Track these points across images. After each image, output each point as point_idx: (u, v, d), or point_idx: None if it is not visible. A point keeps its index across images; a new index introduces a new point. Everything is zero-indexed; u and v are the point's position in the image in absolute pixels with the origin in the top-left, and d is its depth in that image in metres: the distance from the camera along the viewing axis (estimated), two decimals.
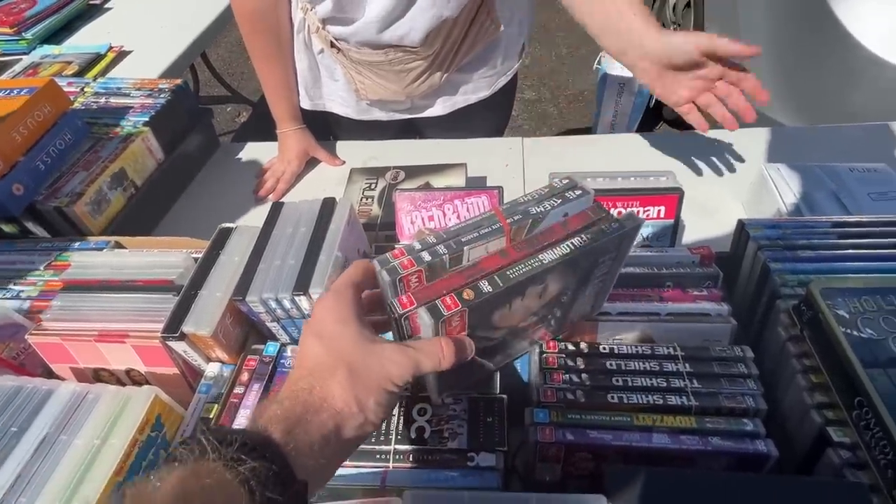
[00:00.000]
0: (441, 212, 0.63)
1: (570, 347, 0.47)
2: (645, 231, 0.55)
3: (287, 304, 0.49)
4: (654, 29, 0.62)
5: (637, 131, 1.79)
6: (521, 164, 0.90)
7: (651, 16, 0.63)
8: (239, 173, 0.96)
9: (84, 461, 0.39)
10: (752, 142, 0.89)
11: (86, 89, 0.93)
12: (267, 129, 1.04)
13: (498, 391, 0.46)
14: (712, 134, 0.92)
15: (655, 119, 2.09)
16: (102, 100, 0.90)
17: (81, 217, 0.72)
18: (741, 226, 0.55)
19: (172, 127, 0.89)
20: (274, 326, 0.52)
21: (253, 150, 1.02)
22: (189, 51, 1.25)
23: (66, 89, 0.86)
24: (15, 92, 0.75)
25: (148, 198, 0.83)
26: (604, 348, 0.47)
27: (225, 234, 0.56)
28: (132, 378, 0.55)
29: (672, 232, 0.55)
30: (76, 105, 0.88)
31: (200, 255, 0.54)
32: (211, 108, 1.00)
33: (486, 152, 0.92)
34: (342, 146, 0.99)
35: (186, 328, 0.47)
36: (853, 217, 0.54)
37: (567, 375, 0.45)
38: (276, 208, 0.57)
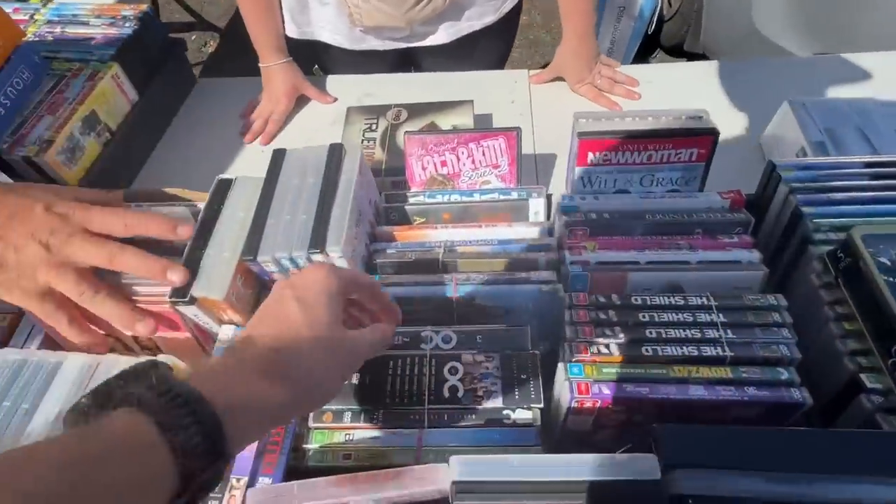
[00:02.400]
0: (455, 156, 0.59)
1: (602, 300, 0.46)
2: (673, 174, 0.52)
3: (302, 262, 0.46)
4: (562, 51, 0.81)
5: (633, 61, 1.72)
6: (527, 100, 0.85)
7: (572, 34, 0.79)
8: (221, 114, 0.89)
9: None
10: (769, 73, 0.85)
11: (36, 17, 0.82)
12: (240, 61, 0.94)
13: (530, 347, 0.44)
14: (724, 64, 0.87)
15: (652, 46, 2.00)
16: (57, 29, 0.80)
17: (54, 167, 0.66)
18: (771, 167, 0.53)
19: (142, 61, 0.80)
20: None
21: (234, 87, 0.93)
22: None
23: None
24: None
25: (124, 144, 0.76)
26: (635, 300, 0.45)
27: (224, 187, 0.51)
28: (141, 344, 0.52)
29: (702, 176, 0.52)
30: (28, 37, 0.78)
31: (200, 211, 0.49)
32: (183, 39, 0.90)
33: (490, 86, 0.86)
34: (333, 81, 0.91)
35: (196, 292, 0.44)
36: (886, 156, 0.53)
37: (599, 329, 0.44)
38: (279, 156, 0.52)
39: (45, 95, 0.70)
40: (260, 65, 0.84)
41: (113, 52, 0.75)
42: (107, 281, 0.44)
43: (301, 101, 0.88)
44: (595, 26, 0.78)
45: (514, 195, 0.56)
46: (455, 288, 0.47)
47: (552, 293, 0.46)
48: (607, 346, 0.43)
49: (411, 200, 0.57)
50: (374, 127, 0.74)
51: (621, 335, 0.43)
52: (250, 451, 0.41)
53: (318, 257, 0.45)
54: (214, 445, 0.26)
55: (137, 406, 0.25)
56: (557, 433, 0.45)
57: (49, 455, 0.22)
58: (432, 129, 0.71)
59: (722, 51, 1.62)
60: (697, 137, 0.50)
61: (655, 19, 1.76)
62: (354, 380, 0.43)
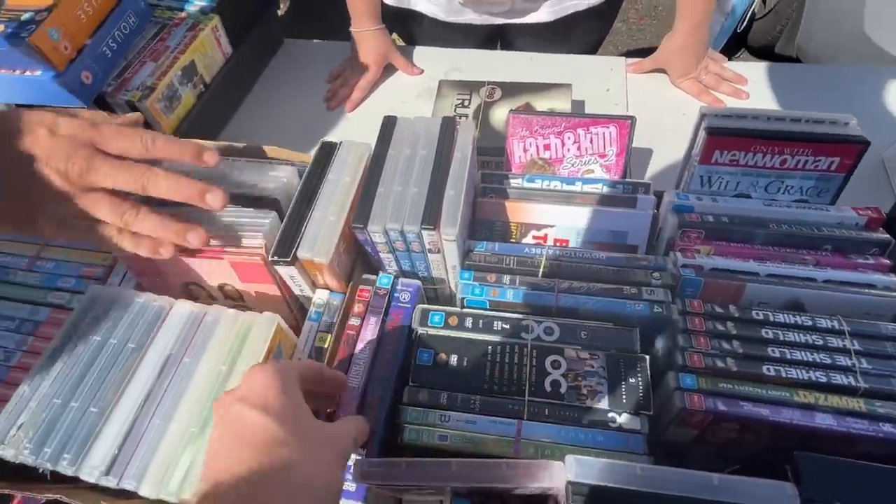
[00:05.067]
0: (560, 140, 0.56)
1: (718, 310, 0.43)
2: (805, 183, 0.48)
3: (411, 237, 0.44)
4: (669, 43, 0.76)
5: None
6: (623, 90, 0.80)
7: (686, 24, 0.73)
8: (304, 76, 0.88)
9: (213, 387, 0.37)
10: (887, 84, 0.78)
11: None
12: (310, 24, 0.93)
13: (638, 350, 0.42)
14: (833, 69, 0.80)
15: (737, 45, 1.88)
16: None
17: (154, 113, 0.67)
18: None
19: (239, 16, 0.80)
20: (388, 258, 0.48)
21: (319, 49, 0.92)
22: None
23: None
24: None
25: (216, 97, 0.77)
26: (757, 314, 0.42)
27: (329, 150, 0.50)
28: (225, 292, 0.52)
29: (838, 189, 0.48)
30: None
31: (304, 172, 0.49)
32: None
33: (584, 71, 0.82)
34: (420, 53, 0.89)
35: (301, 253, 0.43)
36: None
37: (715, 341, 0.41)
38: (390, 124, 0.50)
39: (147, 42, 0.71)
40: (352, 29, 0.82)
41: (213, 4, 0.75)
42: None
43: (386, 70, 0.86)
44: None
45: (620, 188, 0.53)
46: (556, 297, 0.45)
47: (664, 315, 0.43)
48: (724, 359, 0.40)
49: (512, 183, 0.55)
50: (466, 103, 0.71)
51: (740, 350, 0.41)
52: (350, 414, 0.40)
53: (429, 234, 0.43)
54: None
55: None
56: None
57: None
58: (529, 109, 0.68)
59: (820, 56, 1.51)
60: (843, 145, 0.45)
61: (748, 17, 1.65)
62: (453, 362, 0.42)
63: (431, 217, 0.44)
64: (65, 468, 0.35)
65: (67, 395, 0.37)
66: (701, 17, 0.71)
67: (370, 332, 0.45)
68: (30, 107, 0.62)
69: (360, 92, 0.81)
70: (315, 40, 0.94)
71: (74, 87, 0.62)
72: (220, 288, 0.50)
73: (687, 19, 0.72)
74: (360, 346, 0.44)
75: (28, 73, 0.61)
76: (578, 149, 0.56)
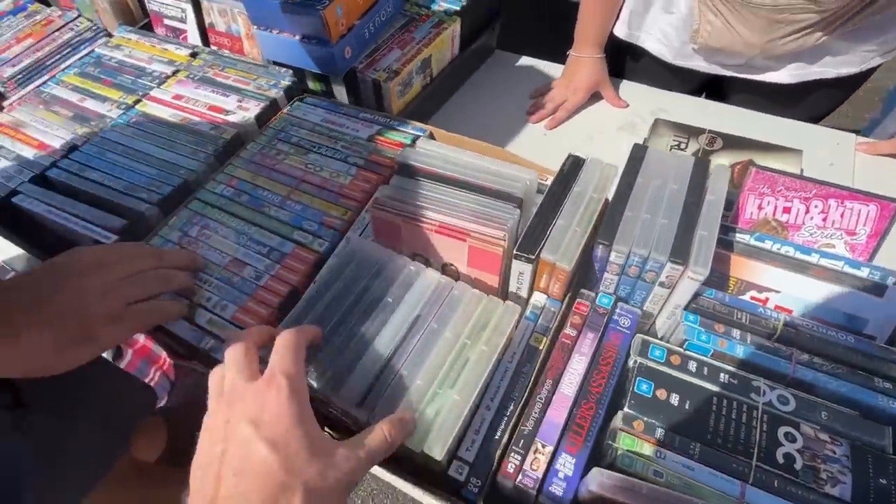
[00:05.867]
0: (804, 206, 0.53)
1: None
2: None
3: (652, 265, 0.44)
4: None
5: None
6: (850, 168, 0.75)
7: None
8: (507, 85, 0.92)
9: (457, 357, 0.40)
10: None
11: None
12: (515, 39, 0.97)
13: (891, 451, 0.38)
14: None
15: None
16: None
17: (391, 95, 0.73)
18: None
19: (472, 23, 0.85)
20: (611, 279, 0.48)
21: (526, 65, 0.96)
22: None
23: None
24: None
25: (435, 90, 0.83)
26: None
27: (576, 164, 0.52)
28: (446, 272, 0.55)
29: None
30: None
31: (550, 179, 0.51)
32: (501, 10, 0.94)
33: (806, 139, 0.77)
34: (628, 87, 0.89)
35: (545, 254, 0.45)
36: None
37: None
38: (639, 152, 0.51)
39: (396, 31, 0.78)
40: (571, 52, 0.85)
41: (458, 7, 0.81)
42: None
43: (591, 97, 0.87)
44: None
45: (865, 272, 0.49)
46: (794, 367, 0.42)
47: None
48: None
49: (738, 237, 0.53)
50: (683, 146, 0.70)
51: None
52: (559, 419, 0.41)
53: (675, 269, 0.43)
54: None
55: None
56: None
57: None
58: (755, 166, 0.66)
59: None
60: None
61: None
62: (673, 401, 0.41)
63: (681, 252, 0.43)
64: (327, 392, 0.39)
65: (332, 329, 0.42)
66: None
67: (587, 346, 0.45)
68: (294, 69, 0.71)
69: (564, 112, 0.83)
70: (523, 56, 0.98)
71: (339, 59, 0.70)
72: (443, 266, 0.53)
73: None
74: (575, 356, 0.45)
75: (305, 39, 0.70)
76: (824, 220, 0.53)
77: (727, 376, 0.42)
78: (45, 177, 0.65)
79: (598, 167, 0.51)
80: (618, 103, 0.85)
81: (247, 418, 0.30)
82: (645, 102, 0.86)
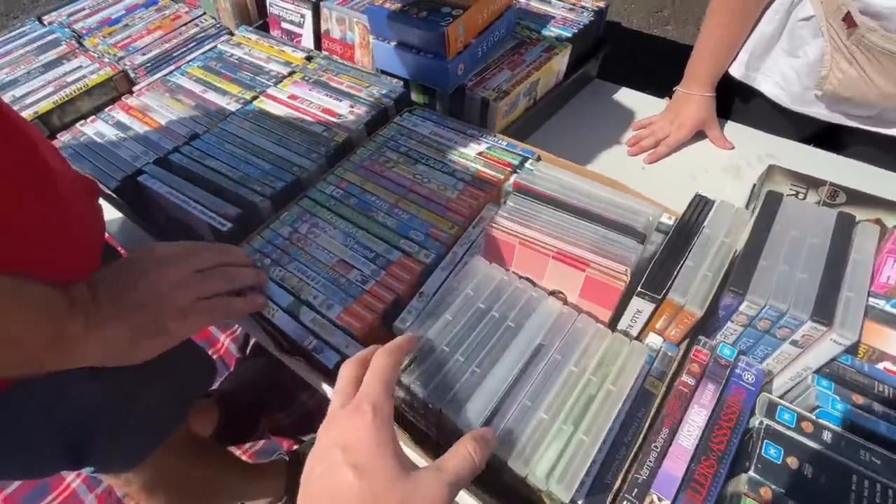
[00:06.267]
0: None
1: None
2: None
3: (789, 321, 0.42)
4: None
5: None
6: None
7: None
8: (605, 115, 0.91)
9: (581, 392, 0.39)
10: None
11: None
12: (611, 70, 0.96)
13: None
14: None
15: None
16: (523, 1, 0.89)
17: (497, 114, 0.73)
18: None
19: (579, 50, 0.85)
20: (735, 330, 0.46)
21: (624, 96, 0.95)
22: None
23: None
24: None
25: (536, 113, 0.82)
26: None
27: (703, 204, 0.50)
28: (558, 295, 0.54)
29: None
30: None
31: (676, 219, 0.49)
32: (607, 40, 0.93)
33: None
34: (734, 128, 0.86)
35: (672, 295, 0.43)
36: None
37: None
38: (774, 200, 0.49)
39: (506, 52, 0.79)
40: (679, 89, 0.83)
41: (570, 35, 0.81)
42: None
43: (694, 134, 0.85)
44: None
45: None
46: None
47: None
48: None
49: (871, 301, 0.49)
50: (801, 196, 0.66)
51: None
52: (677, 472, 0.39)
53: (817, 329, 0.40)
54: None
55: None
56: None
57: None
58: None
59: None
60: None
61: None
62: (806, 472, 0.38)
63: (826, 312, 0.40)
64: (449, 411, 0.39)
65: (455, 347, 0.41)
66: None
67: (707, 397, 0.43)
68: (403, 81, 0.72)
69: (665, 148, 0.81)
70: (622, 88, 0.97)
71: (452, 75, 0.71)
72: (551, 293, 0.52)
73: None
74: (694, 407, 0.42)
75: (422, 53, 0.72)
76: None
77: (868, 454, 0.39)
78: (168, 160, 0.69)
79: (729, 210, 0.49)
80: (724, 144, 0.82)
81: (337, 443, 0.32)
82: (751, 146, 0.83)
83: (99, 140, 0.73)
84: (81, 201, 0.52)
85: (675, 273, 0.45)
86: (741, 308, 0.44)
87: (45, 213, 0.45)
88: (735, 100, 0.86)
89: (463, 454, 0.34)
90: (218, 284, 0.50)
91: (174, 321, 0.46)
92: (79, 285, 0.44)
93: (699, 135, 0.85)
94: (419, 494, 0.31)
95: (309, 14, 0.86)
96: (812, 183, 0.69)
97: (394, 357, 0.37)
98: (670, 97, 0.86)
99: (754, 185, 0.73)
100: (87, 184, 0.56)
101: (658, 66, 0.85)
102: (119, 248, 0.71)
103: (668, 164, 0.83)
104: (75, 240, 0.49)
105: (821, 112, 0.77)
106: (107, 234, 0.63)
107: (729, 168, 0.81)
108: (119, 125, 0.75)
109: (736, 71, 0.80)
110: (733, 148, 0.82)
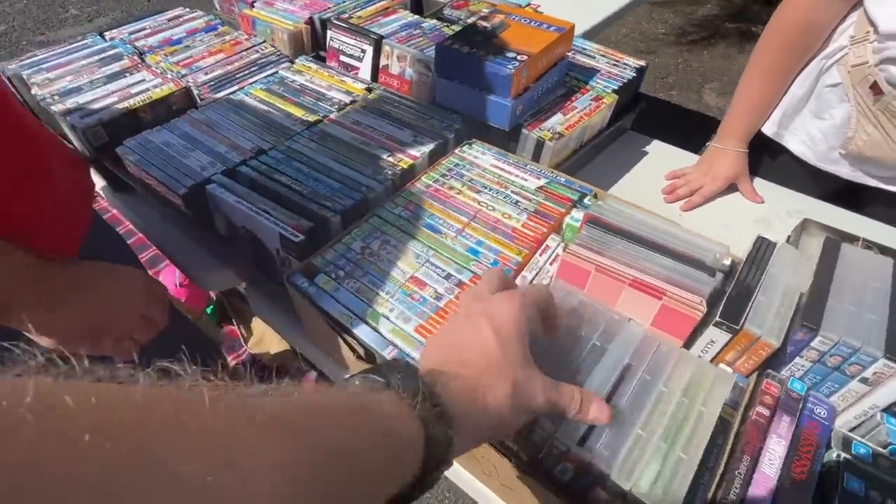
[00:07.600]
0: None
1: None
2: None
3: (859, 358, 0.44)
4: None
5: None
6: None
7: None
8: (640, 164, 0.96)
9: (677, 412, 0.40)
10: None
11: None
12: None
13: None
14: None
15: None
16: (570, 54, 0.96)
17: (552, 153, 0.77)
18: None
19: (621, 102, 0.91)
20: (803, 364, 0.48)
21: (656, 148, 1.01)
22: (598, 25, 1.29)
23: None
24: (544, 26, 0.82)
25: (581, 157, 0.87)
26: None
27: (766, 246, 0.53)
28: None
29: None
30: None
31: (732, 259, 0.52)
32: (644, 98, 1.00)
33: None
34: (762, 185, 0.92)
35: (749, 326, 0.45)
36: None
37: None
38: (834, 246, 0.52)
39: (558, 98, 0.84)
40: (714, 144, 0.89)
41: (615, 87, 0.87)
42: None
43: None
44: None
45: None
46: None
47: None
48: None
49: None
50: None
51: None
52: (765, 495, 0.40)
53: (890, 364, 0.43)
54: (448, 447, 0.28)
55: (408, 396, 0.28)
56: None
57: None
58: None
59: None
60: None
61: None
62: None
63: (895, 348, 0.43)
64: (545, 425, 0.40)
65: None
66: None
67: (784, 428, 0.44)
68: (464, 117, 0.76)
69: (700, 198, 0.86)
70: (654, 140, 1.03)
71: (512, 114, 0.76)
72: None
73: None
74: (773, 437, 0.44)
75: (485, 92, 0.76)
76: None
77: None
78: (236, 171, 0.71)
79: (791, 253, 0.53)
80: (755, 198, 0.87)
81: (484, 313, 0.35)
82: (780, 201, 0.88)
83: (166, 148, 0.75)
84: (65, 167, 0.60)
85: (749, 306, 0.47)
86: (813, 343, 0.46)
87: (25, 168, 0.52)
88: (763, 157, 0.92)
89: (569, 392, 0.36)
90: (144, 336, 0.60)
91: (110, 342, 0.56)
92: (54, 265, 0.51)
93: (730, 187, 0.90)
94: (534, 382, 0.34)
95: (370, 49, 0.91)
96: (845, 237, 0.73)
97: (550, 299, 0.40)
98: (699, 153, 0.92)
99: (789, 237, 0.77)
100: (72, 154, 0.65)
101: (666, 126, 0.90)
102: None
103: (700, 214, 0.87)
104: (61, 205, 0.57)
105: (843, 171, 0.82)
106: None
107: (760, 220, 0.85)
108: (185, 136, 0.77)
109: (768, 129, 0.86)
110: (763, 201, 0.87)
